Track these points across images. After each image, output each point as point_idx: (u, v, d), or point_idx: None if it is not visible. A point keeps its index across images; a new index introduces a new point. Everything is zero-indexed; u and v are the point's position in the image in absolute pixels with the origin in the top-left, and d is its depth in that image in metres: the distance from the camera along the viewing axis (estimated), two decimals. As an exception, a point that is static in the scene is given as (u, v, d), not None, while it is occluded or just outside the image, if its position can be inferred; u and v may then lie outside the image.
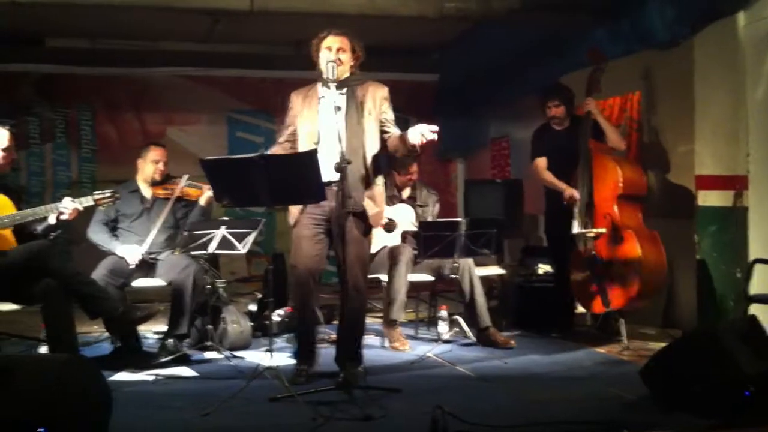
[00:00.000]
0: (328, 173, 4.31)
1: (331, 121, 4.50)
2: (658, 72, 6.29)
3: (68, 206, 4.78)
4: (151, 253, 5.43)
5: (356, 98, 4.61)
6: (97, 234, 5.45)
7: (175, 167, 5.68)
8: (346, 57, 4.63)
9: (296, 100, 4.73)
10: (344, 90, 4.62)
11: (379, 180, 4.72)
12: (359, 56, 4.70)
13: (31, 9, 6.13)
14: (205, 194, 5.46)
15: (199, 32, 7.95)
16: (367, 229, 4.69)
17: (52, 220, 4.80)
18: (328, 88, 4.61)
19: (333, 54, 4.59)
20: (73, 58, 8.51)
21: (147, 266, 5.43)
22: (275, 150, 4.71)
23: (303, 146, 4.60)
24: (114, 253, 5.34)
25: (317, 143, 4.54)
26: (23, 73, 8.55)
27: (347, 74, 4.66)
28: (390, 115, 4.72)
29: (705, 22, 5.66)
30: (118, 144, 8.79)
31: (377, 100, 4.65)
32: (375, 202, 4.66)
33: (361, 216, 4.60)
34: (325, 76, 4.55)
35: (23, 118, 8.51)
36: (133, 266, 5.31)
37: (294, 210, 4.68)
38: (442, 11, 6.46)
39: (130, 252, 5.33)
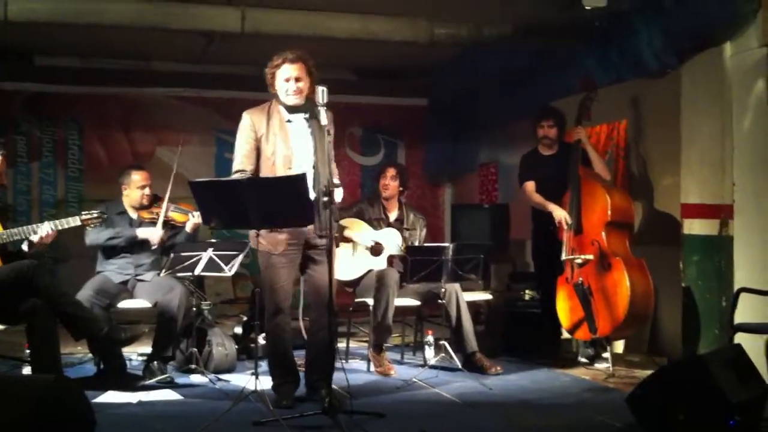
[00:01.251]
0: None
1: (304, 146, 4.55)
2: (645, 100, 6.34)
3: (43, 231, 4.75)
4: (137, 275, 5.40)
5: (319, 122, 4.50)
6: (103, 233, 5.36)
7: (164, 187, 5.65)
8: (303, 85, 4.59)
9: (255, 120, 4.65)
10: (307, 114, 4.61)
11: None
12: (315, 77, 4.62)
13: (22, 27, 6.12)
14: (191, 221, 5.45)
15: (190, 53, 7.97)
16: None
17: (34, 238, 4.77)
18: (292, 112, 4.63)
19: (292, 84, 4.58)
20: (62, 77, 8.49)
21: (133, 287, 5.40)
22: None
23: (279, 171, 4.56)
24: (134, 237, 5.35)
25: (291, 169, 4.54)
26: (12, 91, 8.52)
27: (303, 98, 4.64)
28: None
29: (693, 52, 5.71)
30: (106, 163, 8.76)
31: (331, 125, 4.52)
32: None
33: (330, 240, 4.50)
34: (288, 104, 4.60)
35: (11, 136, 8.47)
36: (156, 246, 5.36)
37: (266, 239, 4.56)
38: (434, 37, 6.51)
39: (152, 232, 5.34)
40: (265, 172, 4.61)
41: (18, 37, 7.33)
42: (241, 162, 4.64)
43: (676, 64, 5.83)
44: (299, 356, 4.93)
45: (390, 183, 6.05)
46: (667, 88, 6.01)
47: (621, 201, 5.70)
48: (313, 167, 4.46)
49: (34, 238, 4.75)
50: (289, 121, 4.66)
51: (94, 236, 5.40)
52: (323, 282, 4.58)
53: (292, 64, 4.58)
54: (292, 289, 4.74)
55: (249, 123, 4.66)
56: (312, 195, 4.40)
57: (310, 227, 4.50)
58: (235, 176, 4.56)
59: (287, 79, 4.58)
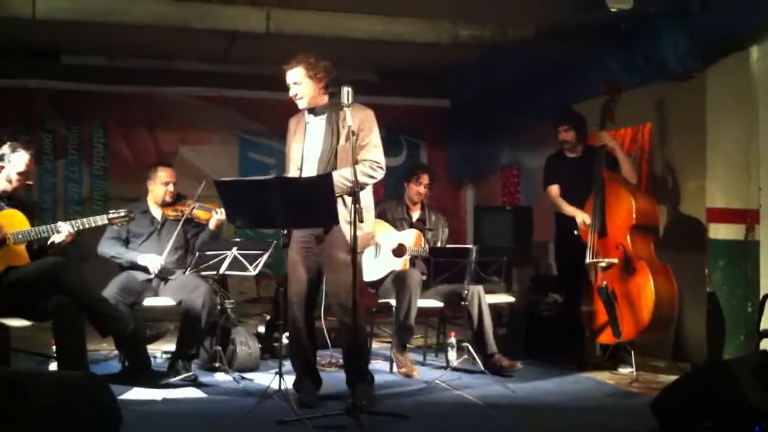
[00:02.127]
0: None
1: (314, 147, 4.62)
2: (670, 104, 6.31)
3: (63, 230, 4.80)
4: (162, 273, 5.44)
5: (333, 123, 4.60)
6: (112, 248, 5.46)
7: (187, 186, 5.69)
8: (302, 88, 4.64)
9: (291, 124, 4.83)
10: (324, 115, 4.65)
11: (365, 201, 4.57)
12: (322, 76, 4.65)
13: (50, 25, 6.17)
14: (215, 218, 5.48)
15: (214, 52, 8.00)
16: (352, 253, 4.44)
17: (57, 238, 4.81)
18: (310, 114, 4.70)
19: (291, 90, 4.66)
20: (88, 75, 8.55)
21: (158, 285, 5.44)
22: None
23: (291, 172, 4.68)
24: (134, 263, 5.36)
25: (300, 169, 4.62)
26: (38, 88, 8.59)
27: (324, 98, 4.68)
28: (370, 139, 4.62)
29: (718, 55, 5.68)
30: (130, 161, 8.81)
31: (356, 125, 4.49)
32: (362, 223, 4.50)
33: (344, 241, 4.52)
34: (299, 108, 4.69)
35: (37, 134, 8.54)
36: (154, 275, 5.34)
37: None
38: (457, 38, 6.50)
39: (152, 260, 5.35)
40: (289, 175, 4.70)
41: (45, 36, 7.40)
42: (286, 165, 4.82)
43: (701, 68, 5.80)
44: (324, 356, 4.94)
45: (424, 191, 6.09)
46: (692, 91, 5.98)
47: (646, 204, 5.67)
48: (326, 168, 4.54)
49: (57, 238, 4.80)
50: (308, 123, 4.72)
51: (104, 248, 5.48)
52: (340, 283, 4.58)
53: (289, 70, 4.66)
54: (305, 285, 4.71)
55: (289, 128, 4.83)
56: None
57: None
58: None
59: (288, 84, 4.67)
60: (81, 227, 4.90)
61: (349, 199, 4.44)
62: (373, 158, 4.61)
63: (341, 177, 4.46)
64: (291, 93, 4.67)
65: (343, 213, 4.46)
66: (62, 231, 4.81)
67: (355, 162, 4.41)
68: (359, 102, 4.56)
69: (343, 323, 4.71)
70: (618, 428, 4.35)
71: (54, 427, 3.20)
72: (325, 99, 4.70)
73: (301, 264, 4.70)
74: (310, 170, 4.61)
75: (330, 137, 4.61)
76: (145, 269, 5.38)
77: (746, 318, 5.40)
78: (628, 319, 5.47)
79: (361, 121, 4.57)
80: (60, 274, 4.61)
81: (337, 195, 4.32)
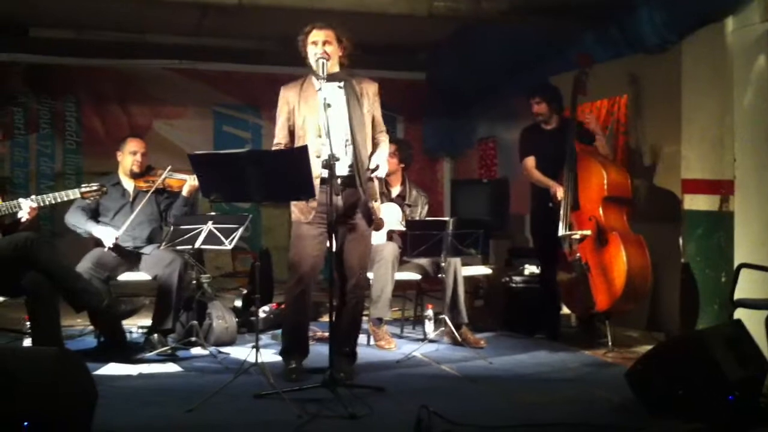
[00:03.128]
0: (340, 168, 4.39)
1: (333, 115, 4.47)
2: (646, 76, 6.32)
3: (24, 206, 4.73)
4: (136, 247, 5.39)
5: (355, 92, 4.62)
6: (74, 216, 5.36)
7: (161, 160, 5.63)
8: (332, 49, 4.60)
9: (289, 94, 4.71)
10: (341, 83, 4.61)
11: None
12: (346, 47, 4.68)
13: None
14: (188, 183, 5.41)
15: (187, 25, 7.90)
16: (370, 223, 4.74)
17: (21, 215, 4.75)
18: (325, 81, 4.59)
19: (320, 48, 4.58)
20: (59, 49, 8.43)
21: (132, 260, 5.40)
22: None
23: (310, 140, 4.57)
24: (90, 233, 5.29)
25: (320, 137, 4.52)
26: (9, 62, 8.46)
27: (337, 67, 4.64)
28: (379, 113, 4.77)
29: (693, 27, 5.69)
30: (103, 136, 8.71)
31: (370, 97, 4.70)
32: (374, 196, 4.72)
33: (368, 213, 4.63)
34: (316, 71, 4.55)
35: (8, 108, 8.43)
36: (109, 248, 5.24)
37: (298, 207, 4.66)
38: (432, 10, 6.45)
39: (107, 233, 5.27)
40: (298, 143, 4.63)
41: (13, 8, 7.26)
42: (276, 135, 4.76)
43: (676, 40, 5.81)
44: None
45: (392, 160, 6.04)
46: (668, 63, 5.99)
47: (618, 176, 5.70)
48: (350, 136, 4.52)
49: (21, 215, 4.73)
50: (319, 90, 4.61)
51: (68, 218, 5.39)
52: (357, 256, 4.67)
53: (321, 30, 4.62)
54: (321, 262, 4.72)
55: (283, 97, 4.74)
56: (347, 165, 4.52)
57: (340, 200, 4.54)
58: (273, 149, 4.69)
59: (315, 42, 4.60)
60: (51, 201, 4.82)
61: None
62: (385, 129, 4.82)
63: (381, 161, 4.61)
64: (319, 51, 4.55)
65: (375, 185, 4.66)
66: (23, 207, 4.74)
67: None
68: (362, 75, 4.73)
69: (349, 297, 4.71)
70: (594, 398, 4.38)
71: (28, 404, 3.17)
72: (337, 69, 4.65)
73: (318, 237, 4.64)
74: (338, 139, 4.48)
75: (357, 105, 4.59)
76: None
77: (720, 288, 5.45)
78: (602, 290, 5.51)
79: (375, 92, 4.73)
80: (33, 250, 4.55)
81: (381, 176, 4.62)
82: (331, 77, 4.58)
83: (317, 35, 4.61)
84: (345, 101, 4.58)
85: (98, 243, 5.35)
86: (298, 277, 4.68)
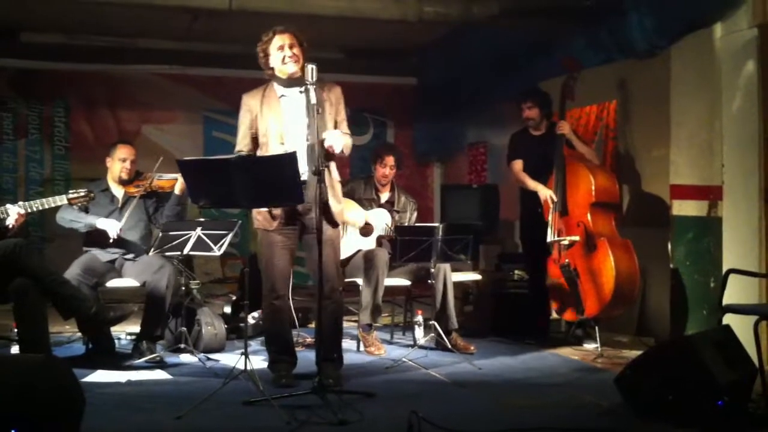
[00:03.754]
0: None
1: (297, 121, 4.50)
2: (634, 81, 6.34)
3: (11, 213, 4.71)
4: (125, 254, 5.37)
5: (317, 96, 4.55)
6: (69, 212, 5.28)
7: (150, 166, 5.61)
8: (298, 51, 4.60)
9: (252, 101, 4.69)
10: (302, 88, 4.51)
11: (335, 176, 4.73)
12: (305, 49, 4.66)
13: (6, 2, 6.04)
14: (180, 182, 5.36)
15: (177, 30, 7.89)
16: (335, 229, 4.70)
17: (9, 221, 4.72)
18: (287, 86, 4.60)
19: (288, 51, 4.57)
20: (48, 54, 8.40)
21: (120, 266, 5.38)
22: None
23: (272, 147, 4.57)
24: (94, 225, 5.24)
25: (283, 144, 4.53)
26: (-2, 67, 8.44)
27: (300, 71, 4.59)
28: (343, 115, 4.75)
29: (682, 33, 5.70)
30: (92, 141, 8.69)
31: (333, 100, 4.67)
32: (336, 199, 4.68)
33: (330, 215, 4.61)
34: (287, 73, 4.57)
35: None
36: (113, 239, 5.24)
37: (261, 215, 4.64)
38: (422, 15, 6.46)
39: (111, 224, 5.25)
40: (262, 151, 4.62)
41: (3, 13, 7.24)
42: (239, 143, 4.73)
43: (665, 45, 5.83)
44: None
45: (390, 172, 6.05)
46: (656, 68, 6.01)
47: (605, 182, 5.71)
48: (307, 142, 4.47)
49: (9, 221, 4.71)
50: (282, 96, 4.63)
51: (63, 214, 5.31)
52: (329, 260, 4.58)
53: (283, 34, 4.60)
54: (289, 268, 4.73)
55: (245, 104, 4.71)
56: (305, 171, 4.43)
57: (304, 206, 4.52)
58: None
59: (281, 47, 4.59)
60: (38, 208, 4.81)
61: (334, 173, 4.65)
62: (349, 132, 4.73)
63: (342, 135, 4.54)
64: (287, 54, 4.55)
65: (331, 185, 4.57)
66: (11, 213, 4.71)
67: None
68: (326, 80, 4.65)
69: (326, 303, 4.61)
70: (583, 403, 4.38)
71: (17, 411, 3.15)
72: (300, 73, 4.62)
73: (284, 243, 4.65)
74: (296, 145, 4.48)
75: (311, 111, 4.50)
76: (104, 239, 5.28)
77: (709, 293, 5.47)
78: (590, 295, 5.52)
79: (337, 97, 4.69)
80: (21, 256, 4.53)
81: (340, 153, 4.51)
82: (294, 81, 4.59)
83: (283, 39, 4.59)
84: (305, 107, 4.53)
85: (93, 239, 5.31)
86: (270, 285, 4.69)
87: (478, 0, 6.43)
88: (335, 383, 4.48)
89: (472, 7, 6.45)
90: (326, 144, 4.46)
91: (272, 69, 4.65)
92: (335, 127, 4.65)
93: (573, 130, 6.07)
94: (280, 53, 4.58)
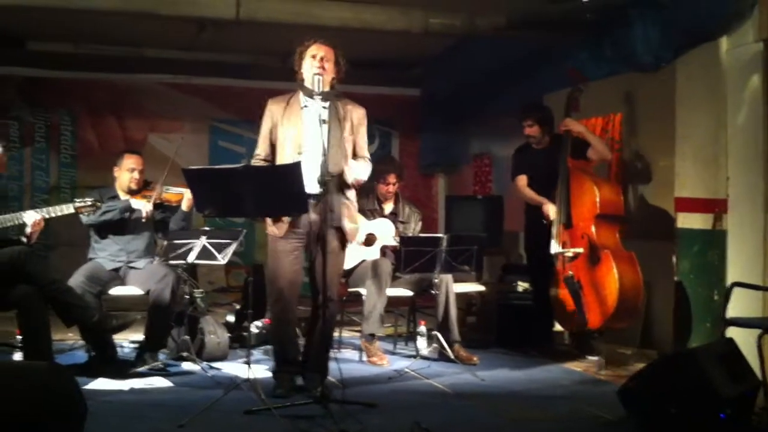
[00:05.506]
0: (311, 185, 4.33)
1: (315, 132, 4.46)
2: (640, 94, 6.34)
3: (30, 219, 4.73)
4: (129, 262, 5.38)
5: (338, 113, 4.61)
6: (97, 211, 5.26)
7: (157, 175, 5.62)
8: (330, 67, 4.61)
9: (275, 108, 4.69)
10: (327, 103, 4.58)
11: (352, 196, 4.73)
12: (341, 69, 4.67)
13: (14, 11, 6.08)
14: (186, 198, 5.38)
15: (184, 40, 7.93)
16: (343, 244, 4.72)
17: (27, 230, 4.74)
18: (312, 98, 4.59)
19: (317, 62, 4.57)
20: (55, 62, 8.45)
21: (125, 274, 5.38)
22: (256, 164, 4.67)
23: (287, 155, 4.57)
24: (129, 206, 5.29)
25: (301, 153, 4.52)
26: (4, 75, 8.46)
27: (327, 86, 4.60)
28: (365, 138, 4.77)
29: (688, 46, 5.71)
30: (98, 150, 8.72)
31: (355, 121, 4.69)
32: (351, 218, 4.68)
33: (340, 230, 4.62)
34: (309, 86, 4.56)
35: (3, 121, 8.43)
36: (146, 218, 5.29)
37: (272, 223, 4.65)
38: (428, 27, 6.49)
39: (141, 203, 5.29)
40: (278, 159, 4.62)
41: (10, 22, 7.28)
42: (258, 146, 4.74)
43: (671, 59, 5.82)
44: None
45: (393, 189, 6.07)
46: (662, 82, 6.00)
47: (610, 194, 5.70)
48: (323, 153, 4.37)
49: (27, 230, 4.72)
50: (305, 106, 4.63)
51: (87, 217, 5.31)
52: (331, 272, 4.56)
53: (323, 45, 4.63)
54: (298, 277, 4.70)
55: (268, 110, 4.72)
56: (315, 181, 4.39)
57: (314, 217, 4.52)
58: (252, 162, 4.67)
59: (314, 56, 4.60)
60: (55, 215, 4.83)
61: (350, 193, 4.68)
62: (368, 156, 4.77)
63: (357, 170, 4.63)
64: (316, 64, 4.55)
65: (346, 205, 4.64)
66: (28, 220, 4.72)
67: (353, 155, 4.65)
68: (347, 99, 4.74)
69: (321, 314, 4.64)
70: (586, 415, 4.37)
71: (19, 418, 3.16)
72: (327, 88, 4.61)
73: (293, 253, 4.63)
74: (313, 156, 4.45)
75: (337, 127, 4.57)
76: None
77: (713, 306, 5.45)
78: (594, 307, 5.51)
79: (359, 118, 4.71)
80: (24, 264, 4.54)
81: (353, 185, 4.62)
82: (322, 95, 4.58)
83: (317, 49, 4.61)
84: (327, 118, 4.53)
85: (92, 257, 5.33)
86: (276, 293, 4.68)
87: (483, 12, 6.46)
88: (322, 393, 4.37)
89: (477, 19, 6.48)
90: (345, 176, 4.56)
91: (302, 75, 4.66)
92: (354, 148, 4.68)
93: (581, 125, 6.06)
94: (312, 61, 4.60)
